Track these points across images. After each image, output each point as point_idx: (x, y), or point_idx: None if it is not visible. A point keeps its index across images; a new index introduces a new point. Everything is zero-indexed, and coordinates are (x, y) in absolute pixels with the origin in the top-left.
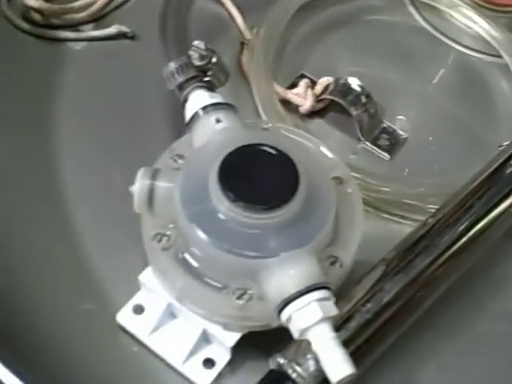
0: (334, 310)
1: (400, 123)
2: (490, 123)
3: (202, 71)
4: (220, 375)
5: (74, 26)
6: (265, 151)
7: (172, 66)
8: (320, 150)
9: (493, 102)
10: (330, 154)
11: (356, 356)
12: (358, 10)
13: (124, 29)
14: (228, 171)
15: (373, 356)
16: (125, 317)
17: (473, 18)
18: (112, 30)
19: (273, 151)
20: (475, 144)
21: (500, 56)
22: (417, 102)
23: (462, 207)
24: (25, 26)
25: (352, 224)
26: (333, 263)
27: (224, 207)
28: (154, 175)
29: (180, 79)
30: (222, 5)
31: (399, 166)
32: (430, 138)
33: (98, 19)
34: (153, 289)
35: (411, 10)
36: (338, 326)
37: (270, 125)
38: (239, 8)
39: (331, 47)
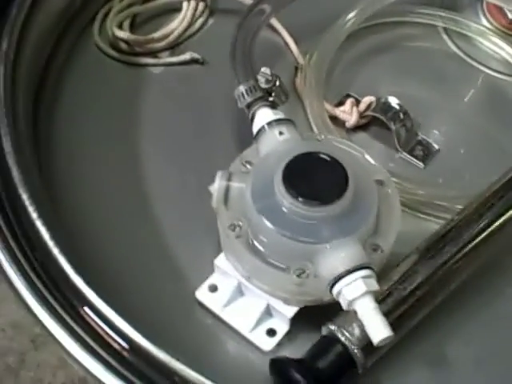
0: (375, 286)
1: (434, 137)
2: None
3: (267, 92)
4: (280, 343)
5: (154, 53)
6: (320, 158)
7: (242, 88)
8: (364, 157)
9: None
10: (372, 161)
11: (393, 325)
12: (397, 37)
13: (196, 55)
14: (290, 173)
15: (407, 326)
16: (202, 294)
17: (499, 44)
18: (186, 56)
19: (326, 158)
20: (500, 155)
21: None
22: (449, 118)
23: (484, 206)
24: (113, 53)
25: (391, 218)
26: (375, 250)
27: (287, 202)
28: (229, 177)
29: (249, 99)
30: (279, 34)
31: (432, 173)
32: (461, 151)
33: (174, 47)
34: (225, 271)
35: (444, 37)
36: (379, 301)
37: (322, 137)
38: (294, 36)
39: (374, 70)
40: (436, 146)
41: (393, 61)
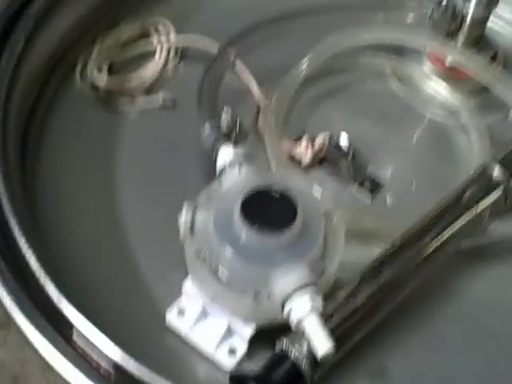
0: (320, 304)
1: (380, 172)
2: (452, 169)
3: (228, 133)
4: (241, 361)
5: (129, 96)
6: (272, 192)
7: (206, 129)
8: (313, 191)
9: (456, 154)
10: (319, 195)
11: (338, 341)
12: (349, 80)
13: (168, 98)
14: (247, 206)
15: (351, 342)
16: (171, 316)
17: (440, 88)
18: (158, 99)
19: (278, 192)
20: (441, 188)
21: (461, 118)
22: (394, 155)
23: (421, 231)
24: (92, 96)
25: (336, 245)
26: (321, 273)
27: (244, 231)
28: (195, 208)
29: (212, 139)
30: (243, 78)
31: (378, 205)
32: (405, 185)
33: (147, 90)
34: (191, 295)
35: (391, 81)
36: (325, 319)
37: (277, 173)
38: (257, 79)
39: (328, 111)
40: (383, 181)
41: (345, 102)
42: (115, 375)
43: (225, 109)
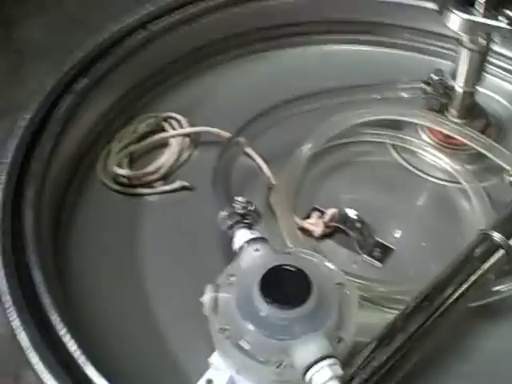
0: (340, 371)
1: (389, 238)
2: (458, 231)
3: (243, 216)
4: None
5: (149, 183)
6: (288, 269)
7: (222, 214)
8: (325, 264)
9: (458, 216)
10: (332, 267)
11: None
12: (353, 154)
13: (185, 183)
14: (265, 284)
15: None
16: None
17: (438, 156)
18: (176, 184)
19: (293, 269)
20: (450, 250)
21: (460, 183)
22: (401, 221)
23: (433, 293)
24: (115, 187)
25: (350, 314)
26: (339, 341)
27: (264, 308)
28: (217, 289)
29: (229, 223)
30: (253, 160)
31: (390, 271)
32: (414, 249)
33: (165, 177)
34: (218, 367)
35: (392, 152)
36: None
37: (291, 249)
38: (266, 161)
39: (335, 184)
40: (392, 247)
41: (351, 174)
42: None
43: (238, 198)
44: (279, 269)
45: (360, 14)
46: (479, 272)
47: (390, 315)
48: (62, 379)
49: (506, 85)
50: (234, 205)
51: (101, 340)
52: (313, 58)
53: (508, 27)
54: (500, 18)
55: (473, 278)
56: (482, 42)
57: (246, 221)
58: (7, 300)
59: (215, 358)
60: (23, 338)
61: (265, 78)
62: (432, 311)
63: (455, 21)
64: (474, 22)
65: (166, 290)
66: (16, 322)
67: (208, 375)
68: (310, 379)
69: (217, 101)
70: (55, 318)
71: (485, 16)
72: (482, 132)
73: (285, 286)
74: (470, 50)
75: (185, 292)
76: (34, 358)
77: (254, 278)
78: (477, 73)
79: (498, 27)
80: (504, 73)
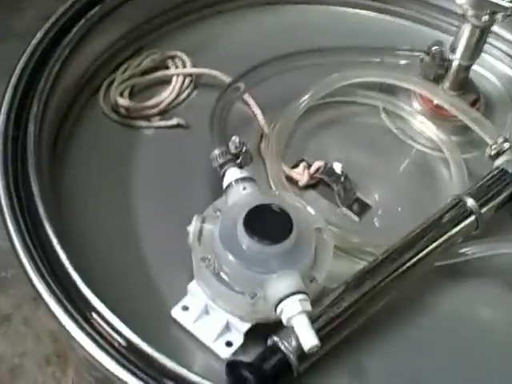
0: (309, 307)
1: (368, 196)
2: (434, 198)
3: (236, 156)
4: (236, 352)
5: (147, 117)
6: (272, 208)
7: (216, 152)
8: (307, 209)
9: (437, 184)
10: (313, 212)
11: (322, 339)
12: (346, 113)
13: (181, 121)
14: (249, 220)
15: (333, 341)
16: (176, 312)
17: (426, 124)
18: (173, 121)
19: (277, 209)
20: (422, 210)
21: (443, 152)
22: (382, 182)
23: (401, 249)
24: (114, 116)
25: (325, 257)
26: (311, 280)
27: (245, 241)
28: (203, 220)
29: (221, 161)
30: (250, 107)
31: (365, 225)
32: (391, 208)
33: (164, 113)
34: (196, 294)
35: (383, 115)
36: (312, 320)
37: (277, 193)
38: (262, 109)
39: (325, 140)
40: (370, 204)
41: (340, 133)
42: (127, 350)
43: (233, 137)
44: (264, 207)
45: None
46: (448, 234)
47: (360, 265)
48: (48, 282)
49: (499, 64)
50: (228, 144)
51: (87, 255)
52: (319, 16)
53: (509, 5)
54: None
55: (441, 239)
56: (486, 18)
57: (238, 161)
58: (3, 207)
59: (193, 286)
60: (16, 243)
61: (272, 30)
62: (399, 265)
63: None
64: None
65: (153, 218)
66: (11, 228)
67: (184, 302)
68: (281, 311)
69: (223, 46)
70: (48, 227)
71: None
72: (472, 105)
73: (268, 223)
74: (472, 24)
75: (172, 222)
76: (25, 259)
77: (239, 213)
78: (475, 48)
79: (503, 6)
80: (499, 53)
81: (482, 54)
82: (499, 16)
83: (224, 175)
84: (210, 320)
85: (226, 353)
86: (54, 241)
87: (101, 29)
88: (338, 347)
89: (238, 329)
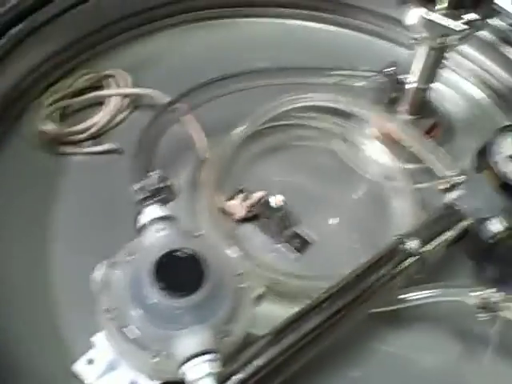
0: (217, 369)
1: (312, 228)
2: (383, 231)
3: (157, 191)
4: None
5: (77, 142)
6: (185, 255)
7: (135, 186)
8: (228, 253)
9: (388, 215)
10: (234, 256)
11: None
12: (294, 137)
13: (113, 146)
14: (159, 267)
15: None
16: (79, 366)
17: (379, 151)
18: (104, 147)
19: (189, 255)
20: (370, 246)
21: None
22: (328, 213)
23: (335, 295)
24: (38, 142)
25: (244, 309)
26: (225, 336)
27: (152, 291)
28: (112, 266)
29: (140, 196)
30: (191, 131)
31: (306, 262)
32: (335, 243)
33: (96, 137)
34: (102, 347)
35: (334, 140)
36: (225, 379)
37: (199, 233)
38: (205, 131)
39: (270, 166)
40: (310, 240)
41: (287, 158)
42: None
43: (153, 172)
44: (176, 253)
45: None
46: (386, 278)
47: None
48: None
49: (464, 83)
50: (146, 179)
51: None
52: (272, 30)
53: (464, 29)
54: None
55: (378, 284)
56: (439, 40)
57: (159, 197)
58: None
59: (99, 338)
60: None
61: (218, 46)
62: (329, 314)
63: (413, 16)
64: (431, 20)
65: (70, 255)
66: None
67: (90, 355)
68: (184, 373)
69: (166, 63)
70: None
71: (445, 16)
72: (430, 131)
73: (179, 272)
74: (425, 47)
75: (89, 261)
76: None
77: (148, 260)
78: (431, 70)
79: (452, 29)
80: (464, 71)
81: (446, 72)
82: (452, 39)
83: (140, 213)
84: (116, 376)
85: None
86: None
87: (25, 48)
88: None
89: None
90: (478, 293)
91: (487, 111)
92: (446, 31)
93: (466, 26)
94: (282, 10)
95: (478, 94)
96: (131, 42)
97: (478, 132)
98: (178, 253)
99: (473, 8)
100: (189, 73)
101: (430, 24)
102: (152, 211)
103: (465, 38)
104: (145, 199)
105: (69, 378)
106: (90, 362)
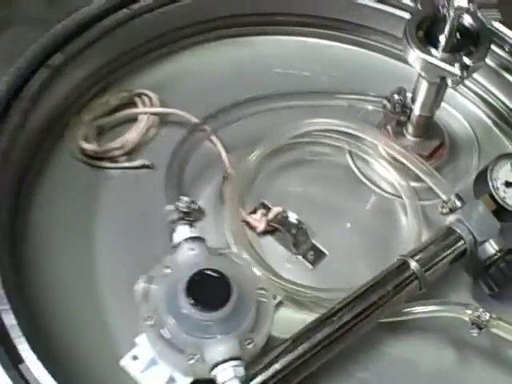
0: (242, 373)
1: (324, 243)
2: (390, 245)
3: (186, 214)
4: None
5: (113, 158)
6: (213, 274)
7: (167, 208)
8: (251, 269)
9: (395, 229)
10: (257, 273)
11: None
12: (310, 154)
13: (146, 162)
14: (191, 286)
15: None
16: (125, 361)
17: (388, 169)
18: (137, 162)
19: (217, 275)
20: (379, 259)
21: (402, 197)
22: (340, 226)
23: (344, 309)
24: (80, 157)
25: (266, 320)
26: (249, 343)
27: (186, 307)
28: (150, 280)
29: (172, 217)
30: (217, 149)
31: (319, 273)
32: (347, 256)
33: (130, 153)
34: (143, 347)
35: (348, 158)
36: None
37: (226, 251)
38: (228, 148)
39: (287, 181)
40: (325, 252)
41: (304, 174)
42: None
43: (183, 197)
44: (205, 273)
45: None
46: (391, 295)
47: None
48: None
49: (469, 104)
50: (178, 203)
51: (42, 304)
52: (292, 48)
53: (458, 74)
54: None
55: (383, 299)
56: (437, 80)
57: (188, 218)
58: None
59: (141, 339)
60: None
61: (242, 64)
62: (339, 325)
63: (413, 57)
64: (430, 62)
65: (112, 263)
66: None
67: (134, 352)
68: (215, 375)
69: (190, 82)
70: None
71: (442, 59)
72: (435, 151)
73: (208, 289)
74: (426, 82)
75: (129, 268)
76: None
77: (182, 277)
78: (434, 101)
79: (451, 72)
80: (469, 93)
81: (453, 93)
82: (449, 81)
83: (174, 232)
84: (157, 371)
85: None
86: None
87: (65, 74)
88: None
89: (181, 382)
90: (470, 311)
91: (490, 133)
92: (444, 74)
93: (458, 72)
94: (302, 28)
95: (482, 116)
96: (158, 61)
97: (481, 153)
98: (207, 272)
99: (469, 52)
100: (213, 91)
101: (429, 66)
102: (184, 231)
103: (462, 79)
104: (177, 220)
105: (117, 371)
106: (135, 358)
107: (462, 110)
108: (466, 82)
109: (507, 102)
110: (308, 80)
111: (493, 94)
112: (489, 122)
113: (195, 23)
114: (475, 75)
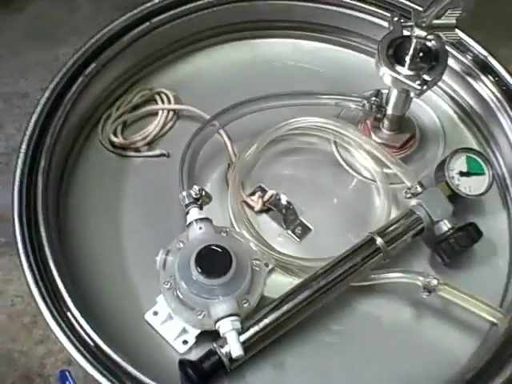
0: (238, 326)
1: (310, 220)
2: (365, 222)
3: (197, 199)
4: (190, 349)
5: (137, 148)
6: (217, 248)
7: (181, 195)
8: (249, 244)
9: (368, 209)
10: (254, 247)
11: (250, 347)
12: (301, 143)
13: (163, 151)
14: (199, 257)
15: (258, 347)
16: (148, 316)
17: (365, 158)
18: (156, 152)
19: (220, 248)
20: (354, 234)
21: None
22: (323, 206)
23: (322, 275)
24: (110, 147)
25: (258, 284)
26: (245, 303)
27: (195, 273)
28: (167, 252)
29: (185, 202)
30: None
31: (304, 246)
32: (329, 231)
33: (150, 143)
34: (162, 305)
35: (333, 147)
36: (244, 331)
37: (228, 229)
38: (232, 139)
39: (280, 168)
40: (311, 227)
41: (296, 161)
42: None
43: (194, 186)
44: (211, 247)
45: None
46: (360, 264)
47: (295, 280)
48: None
49: (439, 100)
50: (190, 191)
51: (79, 270)
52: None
53: (418, 88)
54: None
55: (355, 268)
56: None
57: (198, 202)
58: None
59: (160, 299)
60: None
61: (247, 64)
62: (316, 289)
63: (382, 72)
64: (395, 78)
65: (137, 238)
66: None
67: (155, 308)
68: (219, 327)
69: (203, 81)
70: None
71: (406, 76)
72: (406, 143)
73: (213, 260)
74: (395, 90)
75: (151, 243)
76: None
77: (193, 251)
78: (403, 105)
79: (412, 87)
80: (440, 91)
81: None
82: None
83: (187, 213)
84: (173, 324)
85: (182, 349)
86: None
87: (97, 80)
88: (266, 348)
89: (191, 332)
90: (423, 278)
91: (456, 128)
92: (407, 87)
93: (418, 87)
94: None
95: (450, 112)
96: (174, 63)
97: (447, 145)
98: (212, 247)
99: (431, 67)
100: (221, 89)
101: (395, 80)
102: (194, 213)
103: (422, 92)
104: (190, 203)
105: (142, 323)
106: (155, 313)
107: (433, 106)
108: (438, 82)
109: (470, 101)
110: (300, 79)
111: (459, 93)
112: (455, 117)
113: (206, 30)
114: (445, 77)
